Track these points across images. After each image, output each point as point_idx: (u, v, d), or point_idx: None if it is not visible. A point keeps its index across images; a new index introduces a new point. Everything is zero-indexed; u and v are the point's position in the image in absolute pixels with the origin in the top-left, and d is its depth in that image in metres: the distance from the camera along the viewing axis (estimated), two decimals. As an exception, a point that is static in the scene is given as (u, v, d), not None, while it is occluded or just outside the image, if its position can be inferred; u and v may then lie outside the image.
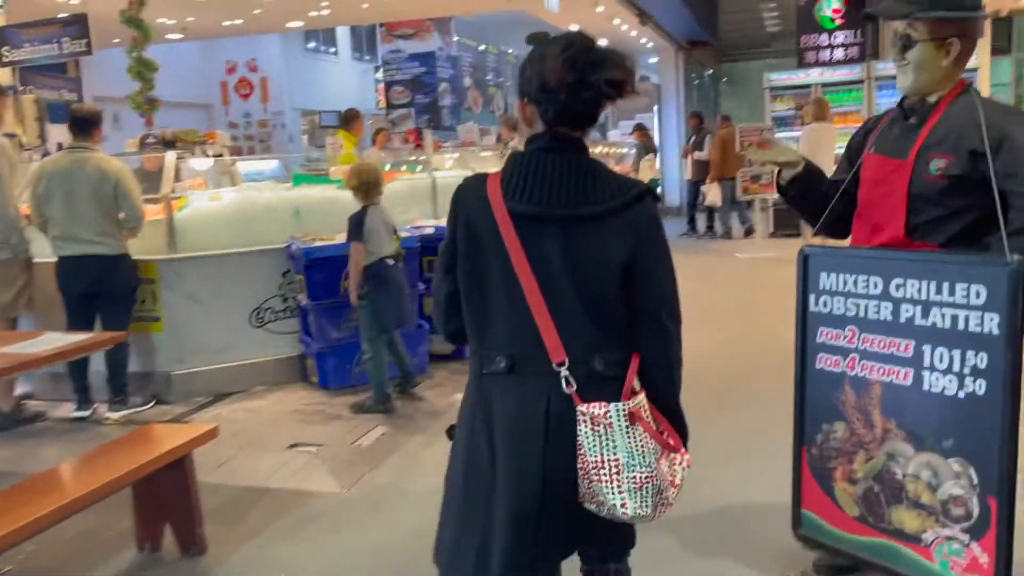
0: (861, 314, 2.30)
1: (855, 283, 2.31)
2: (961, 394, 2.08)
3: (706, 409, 3.45)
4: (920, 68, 2.21)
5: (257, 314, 5.23)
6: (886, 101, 11.45)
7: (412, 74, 14.89)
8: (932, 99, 2.24)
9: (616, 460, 1.64)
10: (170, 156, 5.46)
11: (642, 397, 1.71)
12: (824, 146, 9.95)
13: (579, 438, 1.66)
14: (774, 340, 5.67)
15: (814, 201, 2.52)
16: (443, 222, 6.11)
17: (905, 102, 2.33)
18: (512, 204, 1.67)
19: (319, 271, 4.98)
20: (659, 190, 14.40)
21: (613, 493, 1.64)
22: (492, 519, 1.71)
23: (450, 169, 8.09)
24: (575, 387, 1.66)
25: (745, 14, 17.66)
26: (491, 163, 9.05)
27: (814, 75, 11.66)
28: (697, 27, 15.44)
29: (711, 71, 22.45)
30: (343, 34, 18.81)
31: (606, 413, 1.64)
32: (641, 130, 13.32)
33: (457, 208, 1.77)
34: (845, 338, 2.34)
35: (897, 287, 2.20)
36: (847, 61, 12.04)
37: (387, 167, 7.75)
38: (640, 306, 1.72)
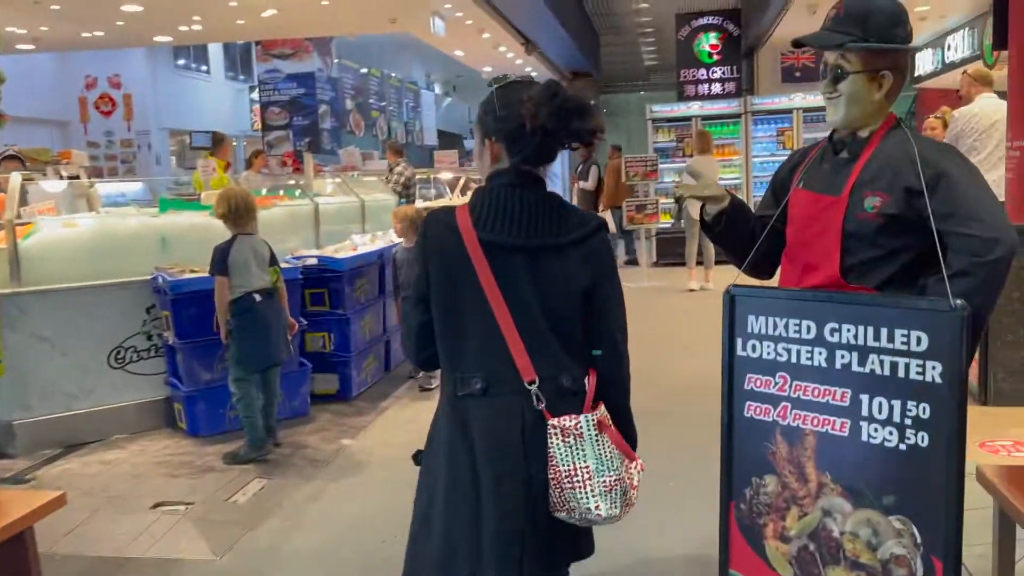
0: (793, 360, 2.15)
1: (786, 327, 2.15)
2: (902, 446, 1.95)
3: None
4: (852, 100, 2.10)
5: (117, 354, 4.70)
6: (762, 135, 11.89)
7: (290, 95, 14.38)
8: (863, 133, 2.14)
9: (587, 467, 1.78)
10: (15, 177, 4.86)
11: (603, 408, 1.87)
12: (707, 178, 10.16)
13: (551, 450, 1.79)
14: (678, 373, 5.64)
15: (740, 238, 2.37)
16: (327, 251, 5.91)
17: (835, 135, 2.23)
18: (483, 234, 1.80)
19: (188, 306, 4.52)
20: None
21: (587, 498, 1.78)
22: (480, 533, 1.82)
23: (332, 195, 7.69)
24: (544, 403, 1.81)
25: (624, 47, 18.13)
26: (376, 188, 8.72)
27: (694, 108, 11.97)
28: (580, 57, 15.66)
29: (592, 102, 22.98)
30: (216, 51, 18.02)
31: (576, 424, 1.80)
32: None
33: (427, 240, 1.88)
34: (776, 385, 2.18)
35: (832, 331, 2.06)
36: (724, 95, 12.47)
37: (263, 192, 7.30)
38: (598, 327, 1.90)
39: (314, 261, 5.34)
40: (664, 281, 10.22)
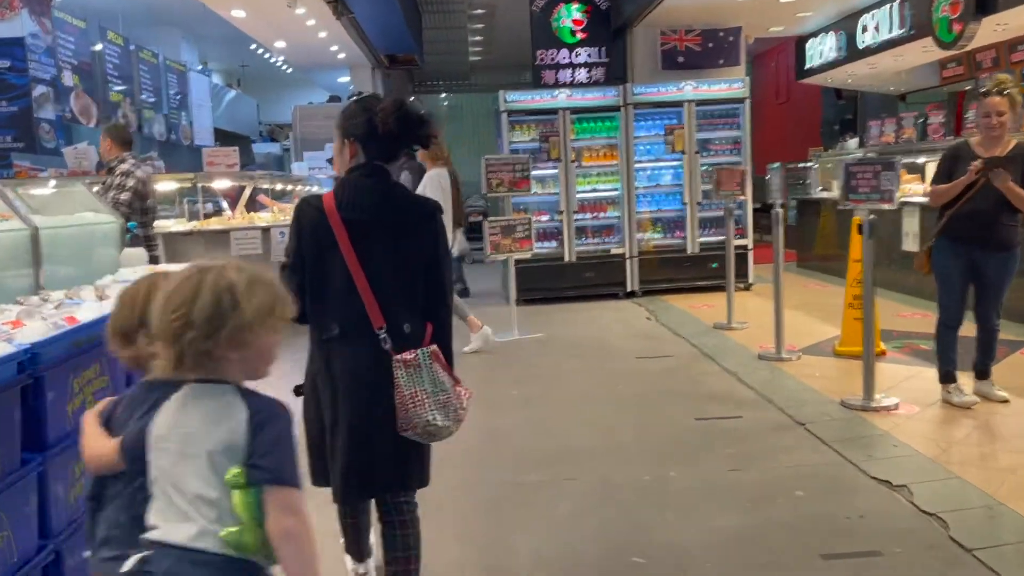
0: None
1: None
2: None
3: None
4: None
5: None
6: (646, 135, 9.26)
7: (-13, 69, 10.02)
8: None
9: (425, 390, 2.37)
10: None
11: (435, 346, 2.44)
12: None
13: (396, 379, 2.36)
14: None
15: None
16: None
17: None
18: (344, 214, 2.39)
19: None
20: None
21: (428, 412, 2.36)
22: (338, 449, 2.40)
23: (57, 215, 4.09)
24: (391, 344, 2.38)
25: (451, 34, 15.10)
26: (82, 203, 5.03)
27: (562, 97, 9.13)
28: (404, 38, 12.44)
29: (445, 96, 19.80)
30: None
31: (415, 357, 2.38)
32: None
33: (301, 220, 2.44)
34: None
35: None
36: (591, 83, 9.75)
37: None
38: (433, 288, 2.49)
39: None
40: (542, 326, 7.27)
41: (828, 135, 16.04)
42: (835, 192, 10.29)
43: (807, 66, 11.48)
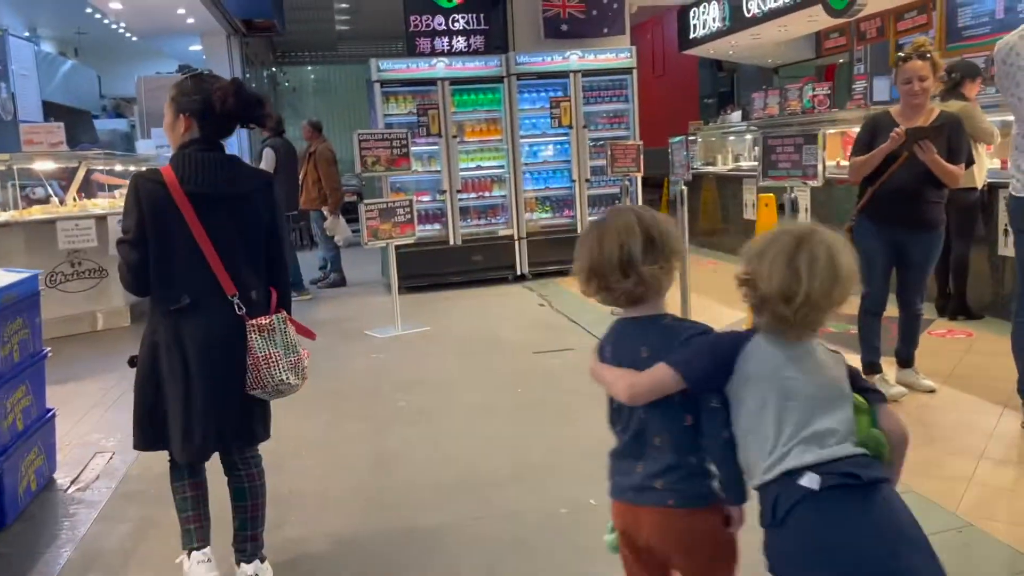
0: None
1: None
2: None
3: None
4: None
5: None
6: (530, 107, 8.68)
7: None
8: None
9: (278, 352, 2.56)
10: None
11: (284, 312, 2.65)
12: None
13: (250, 343, 2.52)
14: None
15: None
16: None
17: None
18: (186, 186, 2.47)
19: None
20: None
21: (281, 372, 2.55)
22: (192, 413, 2.53)
23: None
24: (244, 310, 2.54)
25: (314, 0, 13.97)
26: None
27: (440, 67, 8.40)
28: (265, 1, 11.32)
29: (311, 69, 18.52)
30: None
31: (270, 322, 2.57)
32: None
33: (140, 193, 2.48)
34: None
35: None
36: (471, 52, 9.06)
37: None
38: (273, 254, 2.66)
39: None
40: (429, 322, 6.59)
41: (706, 109, 16.00)
42: (720, 167, 10.07)
43: (691, 36, 11.18)
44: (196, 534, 2.72)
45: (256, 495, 2.75)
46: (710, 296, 6.65)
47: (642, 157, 6.75)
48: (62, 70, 16.40)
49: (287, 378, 2.54)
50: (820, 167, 3.98)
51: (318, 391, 5.06)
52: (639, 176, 6.82)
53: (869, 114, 4.51)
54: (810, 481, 1.51)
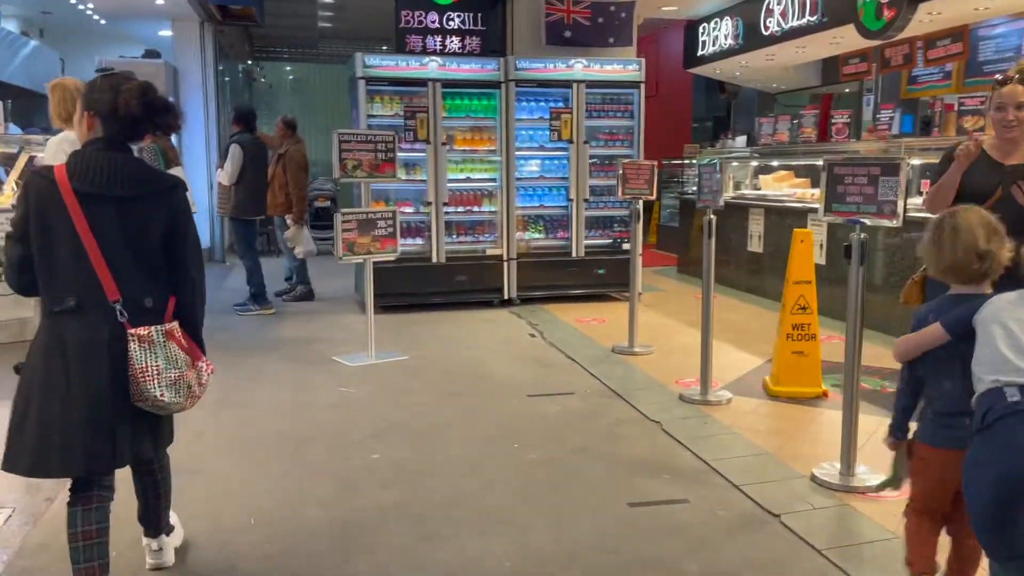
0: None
1: None
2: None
3: None
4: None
5: None
6: (528, 118, 7.96)
7: None
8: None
9: (157, 366, 2.40)
10: None
11: (176, 323, 2.50)
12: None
13: (130, 353, 2.38)
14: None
15: None
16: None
17: None
18: (76, 185, 2.36)
19: None
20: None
21: (156, 388, 2.39)
22: (72, 424, 2.34)
23: None
24: (127, 317, 2.39)
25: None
26: None
27: (432, 66, 7.65)
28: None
29: (290, 69, 17.65)
30: None
31: (149, 333, 2.41)
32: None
33: (28, 190, 2.40)
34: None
35: None
36: (466, 53, 8.32)
37: None
38: (175, 262, 2.53)
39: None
40: (406, 347, 5.80)
41: (699, 132, 15.41)
42: (729, 193, 9.39)
43: (699, 53, 10.54)
44: (98, 558, 2.46)
45: (157, 490, 2.77)
46: (715, 335, 5.92)
47: (656, 179, 6.05)
48: (23, 52, 15.42)
49: (162, 394, 2.40)
50: (901, 204, 3.30)
51: (274, 432, 4.25)
52: (652, 199, 6.13)
53: (953, 143, 3.84)
54: (1011, 395, 2.01)
